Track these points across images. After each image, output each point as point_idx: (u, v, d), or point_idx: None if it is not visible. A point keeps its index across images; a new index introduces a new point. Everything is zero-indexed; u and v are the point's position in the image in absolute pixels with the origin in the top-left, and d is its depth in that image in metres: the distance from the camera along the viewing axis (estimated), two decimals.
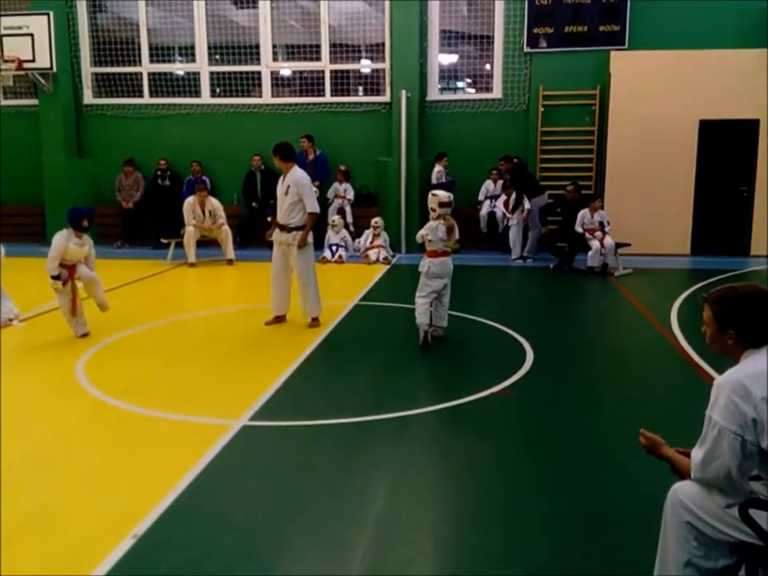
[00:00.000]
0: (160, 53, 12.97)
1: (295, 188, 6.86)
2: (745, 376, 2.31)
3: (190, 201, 10.97)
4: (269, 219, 7.22)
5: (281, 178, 7.07)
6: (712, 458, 2.31)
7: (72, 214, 6.48)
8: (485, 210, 11.93)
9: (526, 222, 11.09)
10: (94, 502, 3.53)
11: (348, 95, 12.65)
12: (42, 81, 12.34)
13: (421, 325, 6.31)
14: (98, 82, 13.20)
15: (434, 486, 3.79)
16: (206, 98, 12.91)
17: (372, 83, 12.72)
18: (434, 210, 6.27)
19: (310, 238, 7.06)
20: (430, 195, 6.44)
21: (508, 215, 11.35)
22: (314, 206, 6.98)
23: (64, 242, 6.39)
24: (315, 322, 7.11)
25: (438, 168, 11.68)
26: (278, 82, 12.96)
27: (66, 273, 6.51)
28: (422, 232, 6.40)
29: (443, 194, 6.34)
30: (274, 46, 12.73)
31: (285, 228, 6.96)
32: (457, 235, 6.48)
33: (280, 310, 7.25)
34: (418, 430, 4.53)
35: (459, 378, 5.60)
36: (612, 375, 5.83)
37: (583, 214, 10.27)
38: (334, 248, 11.13)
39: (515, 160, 11.49)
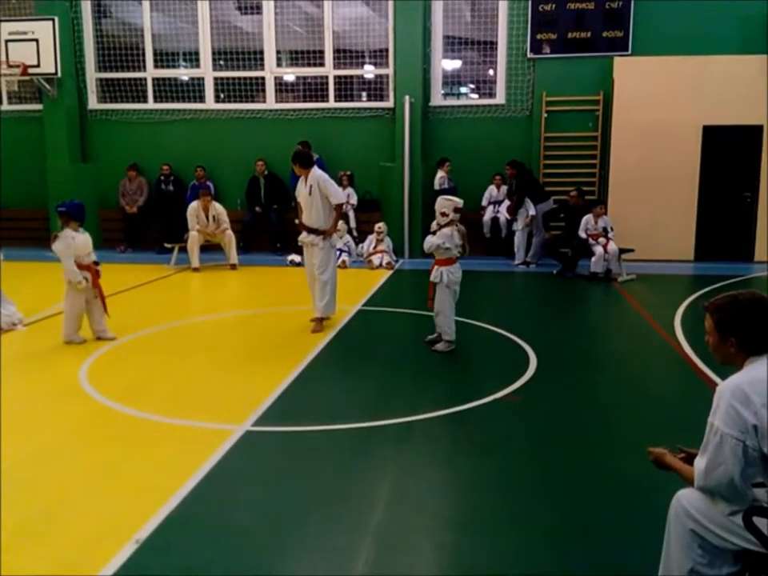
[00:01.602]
0: (164, 58, 13.02)
1: (317, 186, 7.04)
2: (745, 382, 2.31)
3: (193, 205, 11.00)
4: (296, 222, 7.56)
5: (301, 182, 7.23)
6: (715, 465, 2.31)
7: (74, 207, 6.55)
8: (488, 215, 11.94)
9: (530, 228, 11.10)
10: (96, 507, 3.53)
11: (351, 101, 12.67)
12: (47, 86, 12.38)
13: (453, 341, 6.34)
14: (102, 88, 13.25)
15: (437, 492, 3.78)
16: (210, 103, 12.94)
17: (375, 89, 12.74)
18: (447, 216, 6.11)
19: (335, 239, 7.40)
20: (442, 200, 6.21)
21: (509, 218, 11.37)
22: (339, 197, 7.22)
23: (70, 240, 6.42)
24: (319, 325, 7.13)
25: (440, 174, 11.70)
26: (282, 87, 13.00)
27: (89, 275, 6.55)
28: (435, 241, 6.10)
29: (458, 200, 6.23)
30: (277, 52, 12.77)
31: (310, 229, 7.17)
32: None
33: None
34: (422, 435, 4.52)
35: (462, 384, 5.60)
36: (615, 381, 5.81)
37: (587, 219, 10.27)
38: (336, 253, 11.11)
39: None
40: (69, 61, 12.57)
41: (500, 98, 12.25)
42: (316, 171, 7.15)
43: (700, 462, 2.38)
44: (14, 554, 3.08)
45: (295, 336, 6.97)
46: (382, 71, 12.55)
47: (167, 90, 13.02)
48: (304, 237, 7.27)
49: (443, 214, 6.14)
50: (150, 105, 13.07)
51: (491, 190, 12.04)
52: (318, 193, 7.05)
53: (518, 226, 11.15)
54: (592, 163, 11.90)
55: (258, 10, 12.62)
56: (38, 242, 12.47)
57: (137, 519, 3.35)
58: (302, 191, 7.22)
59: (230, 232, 11.03)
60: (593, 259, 10.03)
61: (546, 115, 11.85)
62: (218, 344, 6.78)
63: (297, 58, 12.91)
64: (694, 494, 2.43)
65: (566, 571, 3.01)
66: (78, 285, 6.40)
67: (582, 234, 10.23)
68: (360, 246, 11.59)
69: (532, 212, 10.96)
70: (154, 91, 13.05)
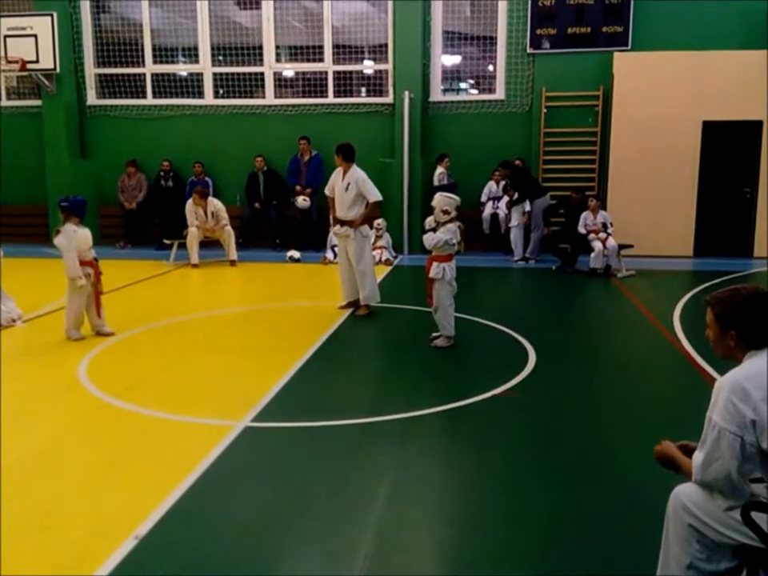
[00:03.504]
0: (163, 54, 12.99)
1: (355, 185, 7.40)
2: (744, 377, 2.31)
3: (192, 202, 10.97)
4: (331, 217, 7.96)
5: (338, 176, 7.55)
6: (712, 460, 2.31)
7: (76, 203, 6.55)
8: (487, 211, 11.93)
9: (526, 224, 11.09)
10: (96, 503, 3.53)
11: (351, 96, 12.66)
12: (46, 82, 12.37)
13: (452, 336, 6.35)
14: (101, 83, 13.24)
15: (436, 487, 3.78)
16: (209, 98, 12.93)
17: (375, 84, 12.72)
18: (449, 213, 6.11)
19: (366, 230, 7.70)
20: (445, 198, 6.18)
21: (505, 213, 11.38)
22: (376, 195, 7.53)
23: (72, 234, 6.42)
24: (366, 309, 7.57)
25: (439, 169, 11.68)
26: (281, 82, 12.98)
27: (91, 270, 6.56)
28: (443, 237, 6.07)
29: (457, 198, 6.26)
30: (276, 47, 12.75)
31: (344, 222, 7.47)
32: None
33: (351, 297, 7.76)
34: (420, 431, 4.52)
35: (461, 380, 5.60)
36: (614, 377, 5.82)
37: (585, 215, 10.27)
38: (336, 249, 11.11)
39: (517, 162, 11.48)
40: (67, 56, 12.56)
41: (499, 94, 12.23)
42: (357, 170, 7.48)
43: (698, 456, 2.39)
44: (14, 551, 3.08)
45: (294, 332, 6.97)
46: (382, 67, 12.53)
47: (166, 85, 13.00)
48: (338, 229, 7.58)
49: (446, 212, 6.12)
50: (149, 100, 13.05)
51: (490, 186, 12.04)
52: (354, 190, 7.40)
53: (513, 222, 11.15)
54: (591, 159, 11.89)
55: (256, 5, 12.59)
56: (38, 239, 12.52)
57: (136, 515, 3.35)
58: (337, 185, 7.53)
59: (229, 228, 11.01)
60: (592, 255, 10.03)
61: (545, 111, 11.84)
62: (217, 340, 6.78)
63: (296, 53, 12.89)
64: (692, 489, 2.43)
65: (564, 566, 3.02)
66: (78, 280, 6.40)
67: (582, 230, 10.23)
68: None
69: (527, 208, 10.95)
70: (153, 87, 13.03)
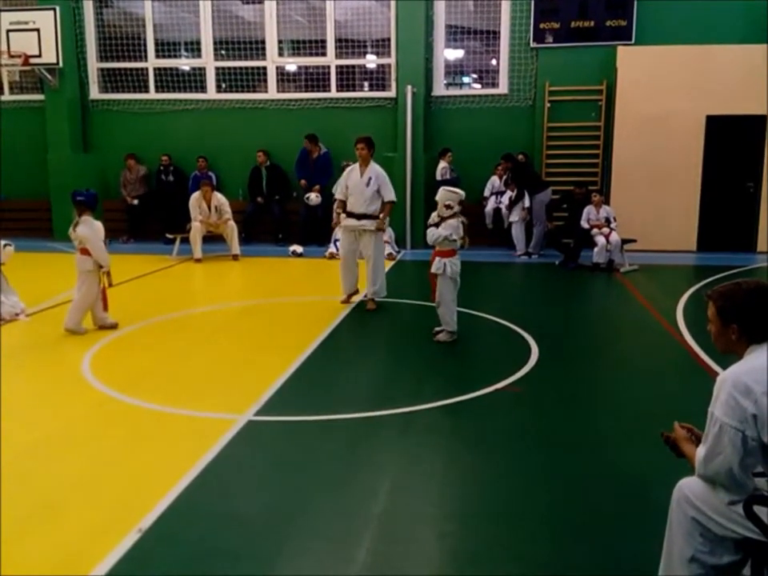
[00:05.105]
0: (166, 48, 12.98)
1: (376, 179, 7.56)
2: (745, 372, 2.31)
3: (195, 196, 10.99)
4: (337, 212, 7.95)
5: (352, 173, 7.64)
6: (714, 454, 2.32)
7: (92, 197, 6.61)
8: (490, 205, 11.90)
9: (526, 219, 11.07)
10: (99, 497, 3.54)
11: (353, 90, 12.62)
12: (48, 76, 12.36)
13: (455, 331, 6.34)
14: (103, 78, 13.21)
15: (438, 482, 3.79)
16: (211, 93, 12.91)
17: (377, 78, 12.69)
18: (452, 208, 6.09)
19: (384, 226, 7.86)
20: (448, 193, 6.14)
21: (506, 210, 11.37)
22: (391, 195, 7.69)
23: (94, 224, 6.52)
24: (374, 304, 7.64)
25: (442, 164, 11.66)
26: (284, 77, 12.96)
27: None
28: (443, 232, 6.05)
29: (462, 193, 6.23)
30: (279, 42, 12.72)
31: (363, 216, 7.58)
32: None
33: (350, 290, 7.88)
34: (423, 425, 4.53)
35: (464, 374, 5.60)
36: (617, 372, 5.82)
37: (588, 209, 10.25)
38: (338, 244, 11.11)
39: (520, 156, 11.46)
40: (70, 51, 12.54)
41: (503, 88, 12.20)
42: (376, 165, 7.63)
43: (700, 451, 2.40)
44: (16, 545, 3.09)
45: (297, 326, 6.98)
46: (384, 61, 12.50)
47: (169, 79, 12.98)
48: (353, 222, 7.61)
49: (448, 207, 6.10)
50: (152, 95, 13.04)
51: (493, 181, 12.00)
52: (375, 185, 7.56)
53: (514, 217, 11.13)
54: (595, 153, 11.86)
55: None
56: (40, 233, 12.54)
57: (139, 509, 3.36)
58: (353, 181, 7.61)
59: (231, 222, 11.02)
60: (595, 250, 10.01)
61: (548, 105, 11.81)
62: (220, 334, 6.79)
63: (298, 47, 12.87)
64: (695, 483, 2.44)
65: (567, 561, 3.02)
66: (105, 268, 6.52)
67: (584, 225, 10.21)
68: None
69: (526, 203, 10.94)
70: (156, 81, 13.01)
